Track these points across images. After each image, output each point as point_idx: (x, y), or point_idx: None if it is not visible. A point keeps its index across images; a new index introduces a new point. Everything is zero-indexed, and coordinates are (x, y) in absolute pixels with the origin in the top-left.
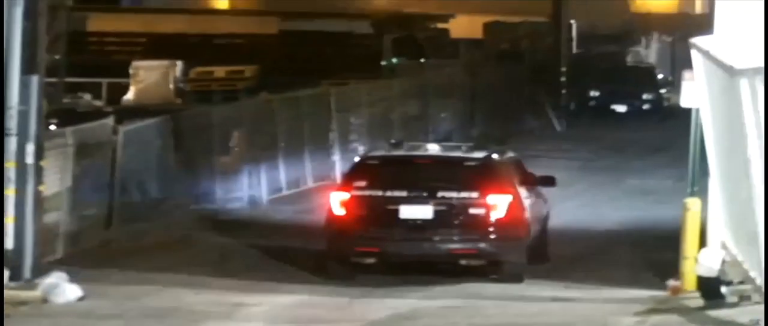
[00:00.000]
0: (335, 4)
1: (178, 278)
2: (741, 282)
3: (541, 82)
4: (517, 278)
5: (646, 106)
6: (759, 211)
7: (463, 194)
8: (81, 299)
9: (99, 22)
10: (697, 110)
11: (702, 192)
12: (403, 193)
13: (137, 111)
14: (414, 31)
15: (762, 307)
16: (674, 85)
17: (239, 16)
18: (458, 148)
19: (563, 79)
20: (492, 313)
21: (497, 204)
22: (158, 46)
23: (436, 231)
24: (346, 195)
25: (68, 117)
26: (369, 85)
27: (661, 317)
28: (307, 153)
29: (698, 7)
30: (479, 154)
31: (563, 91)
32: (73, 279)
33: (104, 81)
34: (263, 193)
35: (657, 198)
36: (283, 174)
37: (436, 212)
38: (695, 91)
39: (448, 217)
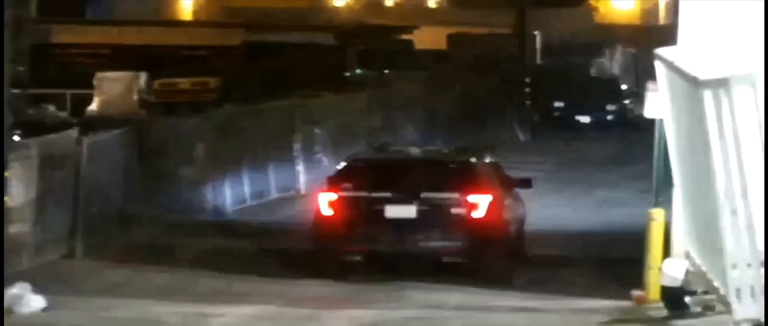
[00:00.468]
0: (299, 16)
1: (143, 289)
2: (705, 292)
3: (506, 93)
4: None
5: (610, 117)
6: (723, 222)
7: (446, 194)
8: (45, 310)
9: (63, 34)
10: (661, 121)
11: (666, 203)
12: (388, 194)
13: (101, 122)
14: (378, 43)
15: (725, 317)
16: (638, 96)
17: (203, 27)
18: (440, 151)
19: (527, 90)
20: (456, 324)
21: (478, 204)
22: (122, 58)
23: (419, 230)
24: (333, 196)
25: (32, 128)
26: (333, 97)
27: None
28: (271, 164)
29: (662, 19)
30: (460, 157)
31: (527, 103)
32: (38, 290)
33: (68, 92)
34: (227, 204)
35: (621, 208)
36: (247, 185)
37: (419, 212)
38: (659, 102)
39: (431, 217)
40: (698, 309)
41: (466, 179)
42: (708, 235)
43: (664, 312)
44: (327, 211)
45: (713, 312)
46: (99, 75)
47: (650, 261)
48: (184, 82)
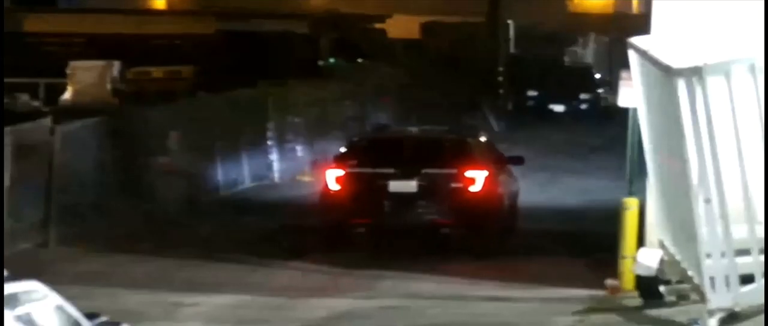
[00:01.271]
0: (272, 4)
1: (118, 278)
2: (679, 282)
3: (479, 82)
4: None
5: (583, 106)
6: (697, 211)
7: (444, 170)
8: None
9: (36, 23)
10: (635, 110)
11: (640, 192)
12: (391, 170)
13: (74, 111)
14: (351, 31)
15: (699, 306)
16: (611, 85)
17: (176, 16)
18: (438, 131)
19: (501, 79)
20: (431, 313)
21: (474, 179)
22: (95, 47)
23: (420, 203)
24: (340, 173)
25: (5, 117)
26: (306, 86)
27: (600, 316)
28: (244, 153)
29: (635, 8)
30: (457, 136)
31: (501, 91)
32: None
33: (41, 81)
34: (201, 193)
35: (595, 197)
36: (220, 174)
37: (420, 186)
38: (632, 91)
39: (431, 191)
40: (672, 299)
41: (463, 156)
42: (682, 224)
43: (639, 302)
44: (334, 187)
45: (687, 301)
46: (72, 64)
47: (624, 251)
48: (157, 71)
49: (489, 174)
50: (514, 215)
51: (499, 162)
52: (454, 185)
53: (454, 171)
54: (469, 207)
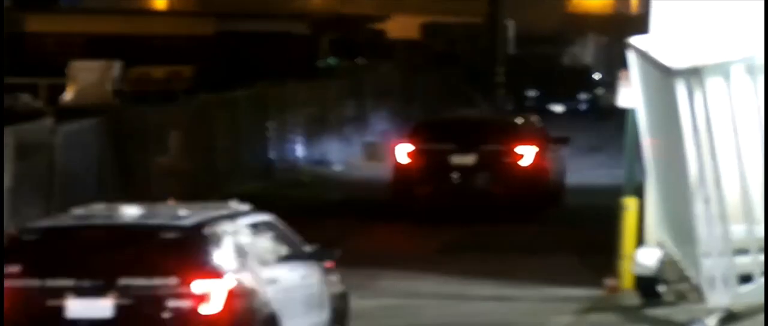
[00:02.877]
0: (272, 5)
1: None
2: (678, 281)
3: (478, 82)
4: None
5: (582, 106)
6: (696, 211)
7: (498, 146)
8: None
9: (37, 23)
10: (634, 110)
11: (639, 192)
12: (453, 146)
13: (75, 111)
14: (351, 32)
15: (698, 306)
16: (610, 85)
17: (177, 16)
18: (493, 113)
19: (500, 79)
20: (430, 313)
21: (524, 154)
22: (96, 47)
23: (477, 175)
24: (409, 148)
25: (6, 117)
26: (306, 86)
27: (599, 316)
28: (244, 153)
29: (634, 8)
30: (510, 117)
31: (500, 92)
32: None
33: (42, 81)
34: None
35: (593, 197)
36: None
37: (478, 159)
38: (631, 92)
39: (486, 164)
40: (671, 298)
41: (515, 134)
42: (681, 224)
43: (637, 301)
44: (404, 160)
45: (686, 300)
46: (72, 64)
47: (623, 250)
48: (158, 71)
49: (537, 151)
50: (560, 187)
51: (546, 140)
52: (506, 159)
53: (507, 147)
54: (519, 178)
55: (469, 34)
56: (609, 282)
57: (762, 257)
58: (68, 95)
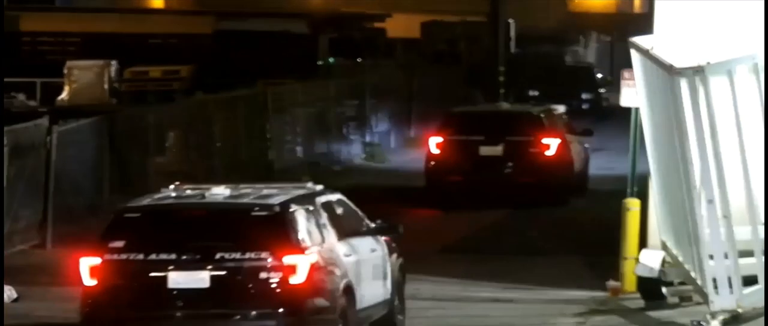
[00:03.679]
0: (271, 3)
1: None
2: (681, 283)
3: (479, 81)
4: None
5: (585, 106)
6: (700, 212)
7: (525, 137)
8: (16, 300)
9: (32, 22)
10: (637, 110)
11: (642, 193)
12: (481, 137)
13: (72, 111)
14: (350, 30)
15: (702, 308)
16: (613, 84)
17: (174, 15)
18: (518, 106)
19: (501, 78)
20: (431, 315)
21: (550, 145)
22: (93, 46)
23: (504, 164)
24: (440, 139)
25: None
26: (305, 85)
27: (602, 318)
28: (243, 153)
29: (637, 7)
30: (536, 110)
31: (501, 91)
32: (8, 281)
33: (38, 81)
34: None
35: (595, 197)
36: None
37: (504, 150)
38: (634, 91)
39: (513, 154)
40: (675, 300)
41: (541, 126)
42: (684, 225)
43: (640, 303)
44: (435, 150)
45: (690, 302)
46: (69, 63)
47: (626, 252)
48: (155, 71)
49: (561, 142)
50: (583, 177)
51: (570, 133)
52: (532, 150)
53: (533, 138)
54: (544, 167)
55: (470, 33)
56: (612, 284)
57: None
58: (65, 95)
